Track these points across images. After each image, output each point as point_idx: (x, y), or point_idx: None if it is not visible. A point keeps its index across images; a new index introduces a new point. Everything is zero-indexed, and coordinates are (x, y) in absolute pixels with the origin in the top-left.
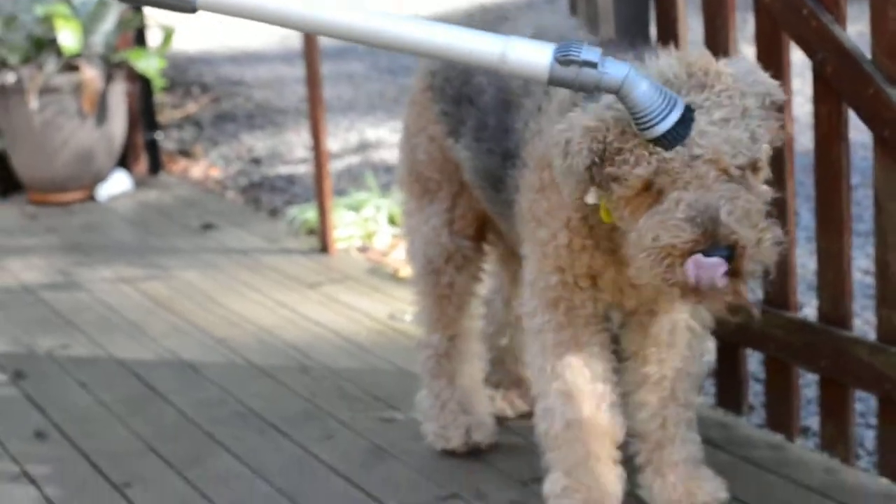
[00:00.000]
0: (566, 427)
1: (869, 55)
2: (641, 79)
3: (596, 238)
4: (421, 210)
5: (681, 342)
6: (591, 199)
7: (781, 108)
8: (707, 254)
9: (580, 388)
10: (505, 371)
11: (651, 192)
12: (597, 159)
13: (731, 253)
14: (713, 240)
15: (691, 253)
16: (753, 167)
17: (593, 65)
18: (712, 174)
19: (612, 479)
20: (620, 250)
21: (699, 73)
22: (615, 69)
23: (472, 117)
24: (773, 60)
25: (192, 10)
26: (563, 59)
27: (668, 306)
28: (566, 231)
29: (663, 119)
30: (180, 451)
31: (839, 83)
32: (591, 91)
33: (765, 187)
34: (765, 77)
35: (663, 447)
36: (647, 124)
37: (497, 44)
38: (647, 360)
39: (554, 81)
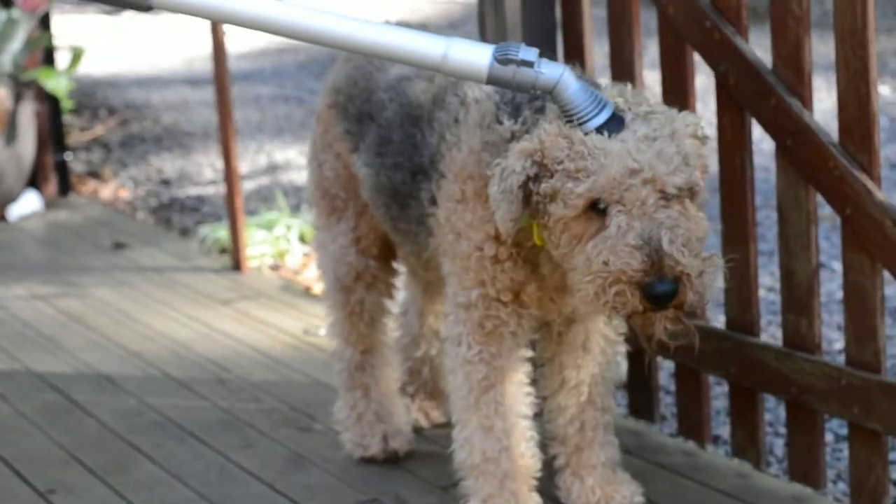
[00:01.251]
0: (484, 460)
1: (770, 66)
2: (574, 79)
3: (521, 248)
4: (329, 228)
5: (596, 348)
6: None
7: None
8: (654, 286)
9: (501, 424)
10: (421, 382)
11: (592, 216)
12: (531, 175)
13: (676, 286)
14: (660, 272)
15: (640, 283)
16: (691, 193)
17: (530, 64)
18: (652, 199)
19: None
20: (540, 267)
21: (624, 100)
22: (550, 69)
23: (371, 133)
24: (677, 73)
25: (148, 8)
26: (501, 59)
27: (586, 318)
28: (492, 242)
29: (595, 116)
30: (102, 459)
31: (742, 94)
32: (527, 91)
33: (701, 215)
34: (691, 113)
35: (582, 450)
36: (580, 121)
37: (439, 44)
38: (564, 366)
39: (492, 80)
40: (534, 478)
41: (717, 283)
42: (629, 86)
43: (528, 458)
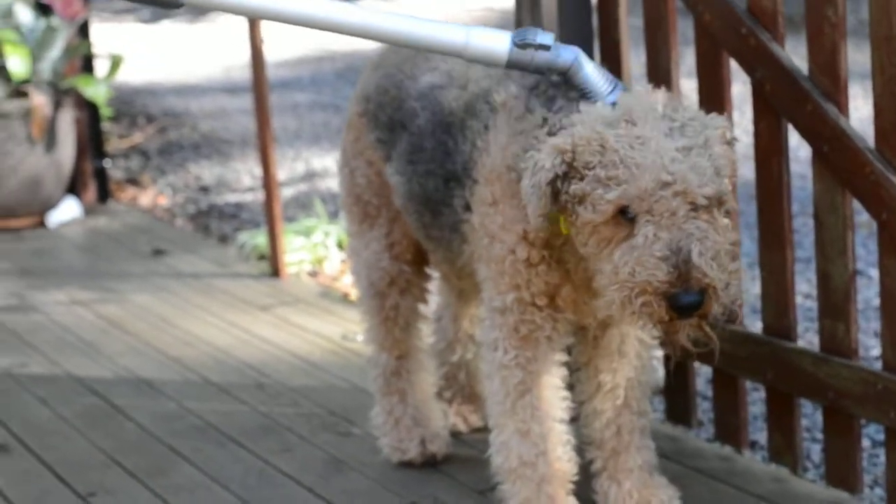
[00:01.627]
0: (521, 464)
1: (806, 72)
2: (588, 61)
3: (553, 250)
4: (362, 234)
5: (631, 352)
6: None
7: (732, 147)
8: (680, 297)
9: (538, 429)
10: (458, 386)
11: (621, 222)
12: (560, 174)
13: (702, 297)
14: (686, 283)
15: (665, 293)
16: (719, 202)
17: (547, 48)
18: (682, 210)
19: None
20: (574, 267)
21: (663, 107)
22: (566, 52)
23: (403, 141)
24: (713, 80)
25: (178, 5)
26: (520, 43)
27: (621, 322)
28: (524, 244)
29: (608, 95)
30: (142, 463)
31: (778, 100)
32: (544, 73)
33: (729, 224)
34: (721, 117)
35: (618, 454)
36: (595, 99)
37: (460, 32)
38: (600, 370)
39: (512, 64)
40: (570, 482)
41: (741, 294)
42: (663, 90)
43: (564, 461)
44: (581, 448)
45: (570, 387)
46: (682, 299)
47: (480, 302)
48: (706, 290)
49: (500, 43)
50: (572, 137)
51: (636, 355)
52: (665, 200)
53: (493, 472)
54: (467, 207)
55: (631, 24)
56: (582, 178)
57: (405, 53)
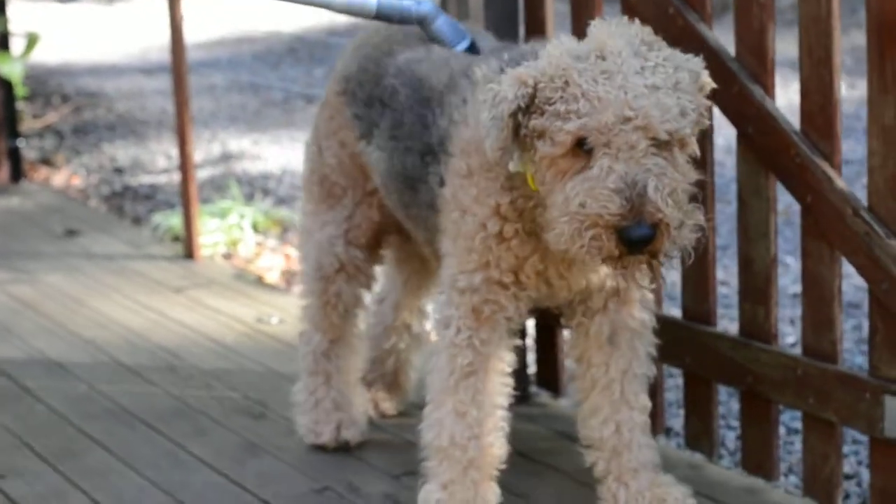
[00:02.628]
0: (451, 444)
1: (733, 54)
2: (441, 13)
3: (524, 222)
4: (318, 214)
5: (623, 343)
6: (513, 166)
7: (708, 97)
8: (630, 230)
9: (476, 413)
10: (382, 372)
11: (579, 154)
12: (522, 106)
13: (654, 232)
14: (639, 217)
15: (616, 227)
16: (681, 142)
17: None
18: (642, 145)
19: (489, 497)
20: (542, 233)
21: (639, 43)
22: (425, 3)
23: (385, 118)
24: None
25: None
26: None
27: (598, 296)
28: (496, 218)
29: (456, 45)
30: (53, 446)
31: None
32: (409, 22)
33: (689, 167)
34: (698, 61)
35: (620, 454)
36: (445, 47)
37: None
38: (592, 364)
39: (380, 13)
40: (497, 469)
41: (693, 238)
42: (649, 29)
43: (495, 447)
44: (580, 453)
45: (516, 373)
46: (633, 232)
47: (426, 292)
48: (658, 225)
49: None
50: (536, 70)
51: (628, 346)
52: (624, 134)
53: (422, 447)
54: (442, 182)
55: (557, 9)
56: (542, 114)
57: (385, 34)
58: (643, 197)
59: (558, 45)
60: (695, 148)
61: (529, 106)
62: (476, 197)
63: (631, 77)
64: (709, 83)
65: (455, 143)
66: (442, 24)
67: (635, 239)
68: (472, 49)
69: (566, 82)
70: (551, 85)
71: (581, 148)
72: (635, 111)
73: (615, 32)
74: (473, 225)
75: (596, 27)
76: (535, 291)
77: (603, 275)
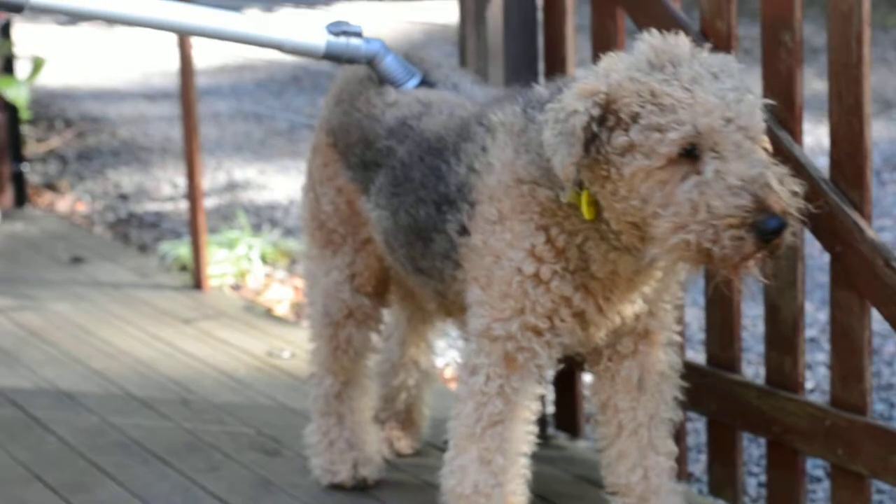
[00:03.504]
0: (475, 492)
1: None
2: (389, 52)
3: (568, 260)
4: (323, 260)
5: (651, 387)
6: (564, 196)
7: None
8: (767, 222)
9: (501, 461)
10: (394, 410)
11: (680, 161)
12: (595, 117)
13: (785, 221)
14: (768, 209)
15: (753, 223)
16: (761, 139)
17: (359, 34)
18: (746, 143)
19: None
20: (602, 259)
21: (700, 51)
22: (373, 42)
23: (382, 176)
24: None
25: (20, 9)
26: (336, 31)
27: (628, 340)
28: (531, 259)
29: (406, 83)
30: (64, 478)
31: None
32: (358, 61)
33: None
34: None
35: (647, 500)
36: (396, 86)
37: (280, 29)
38: (619, 409)
39: (329, 54)
40: None
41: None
42: (707, 46)
43: (518, 496)
44: (600, 496)
45: (540, 421)
46: (769, 224)
47: (431, 328)
48: (786, 214)
49: (316, 35)
50: (608, 84)
51: (656, 389)
52: (729, 135)
53: (443, 493)
54: (462, 231)
55: (578, 45)
56: (627, 129)
57: (356, 87)
58: (768, 189)
59: (616, 61)
60: (768, 145)
61: (605, 121)
62: (510, 242)
63: (714, 81)
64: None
65: (480, 191)
66: (391, 62)
67: (771, 230)
68: (424, 85)
69: (652, 93)
70: (635, 99)
71: (683, 156)
72: (734, 112)
73: (671, 42)
74: (509, 270)
75: (647, 39)
76: (569, 337)
77: (637, 307)
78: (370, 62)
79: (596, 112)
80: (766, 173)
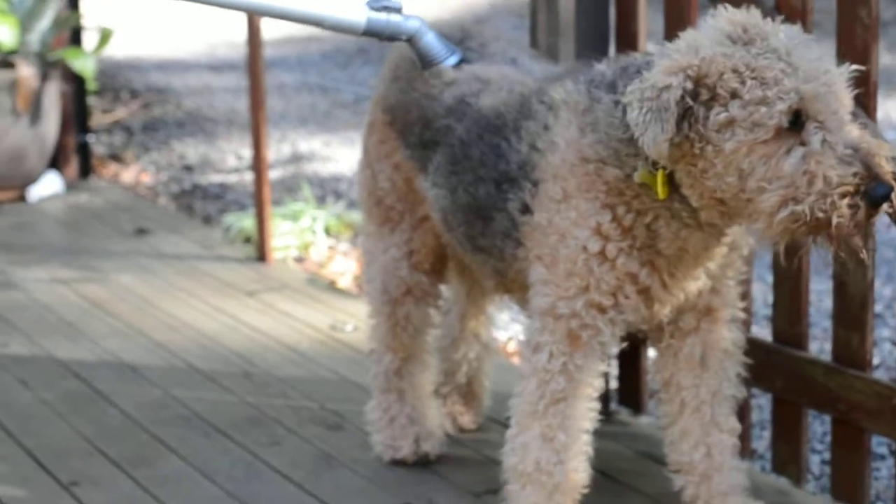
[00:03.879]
0: (537, 469)
1: None
2: (430, 30)
3: (635, 238)
4: (381, 237)
5: (714, 364)
6: (637, 175)
7: None
8: (878, 189)
9: (563, 438)
10: (455, 384)
11: (784, 133)
12: (688, 90)
13: (891, 187)
14: (878, 176)
15: (866, 190)
16: None
17: (399, 10)
18: (843, 111)
19: None
20: (672, 236)
21: (777, 24)
22: (412, 19)
23: (440, 155)
24: None
25: None
26: (376, 7)
27: (690, 316)
28: (597, 237)
29: (446, 60)
30: (126, 452)
31: None
32: (399, 38)
33: None
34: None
35: (710, 478)
36: (435, 63)
37: (322, 5)
38: (682, 387)
39: (369, 30)
40: (580, 493)
41: None
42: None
43: (579, 472)
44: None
45: (603, 397)
46: (880, 190)
47: (490, 301)
48: (892, 179)
49: (356, 11)
50: (699, 59)
51: (719, 367)
52: (829, 103)
53: (504, 470)
54: (524, 209)
55: (650, 17)
56: (725, 105)
57: (413, 64)
58: (873, 156)
59: (701, 38)
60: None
61: (698, 94)
62: (575, 220)
63: (806, 50)
64: None
65: (544, 170)
66: (431, 39)
67: (881, 196)
68: (464, 61)
69: (750, 68)
70: (732, 75)
71: (786, 129)
72: (831, 82)
73: (750, 16)
74: (574, 248)
75: (724, 15)
76: (633, 314)
77: (701, 283)
78: (410, 39)
79: (689, 86)
80: (869, 141)
